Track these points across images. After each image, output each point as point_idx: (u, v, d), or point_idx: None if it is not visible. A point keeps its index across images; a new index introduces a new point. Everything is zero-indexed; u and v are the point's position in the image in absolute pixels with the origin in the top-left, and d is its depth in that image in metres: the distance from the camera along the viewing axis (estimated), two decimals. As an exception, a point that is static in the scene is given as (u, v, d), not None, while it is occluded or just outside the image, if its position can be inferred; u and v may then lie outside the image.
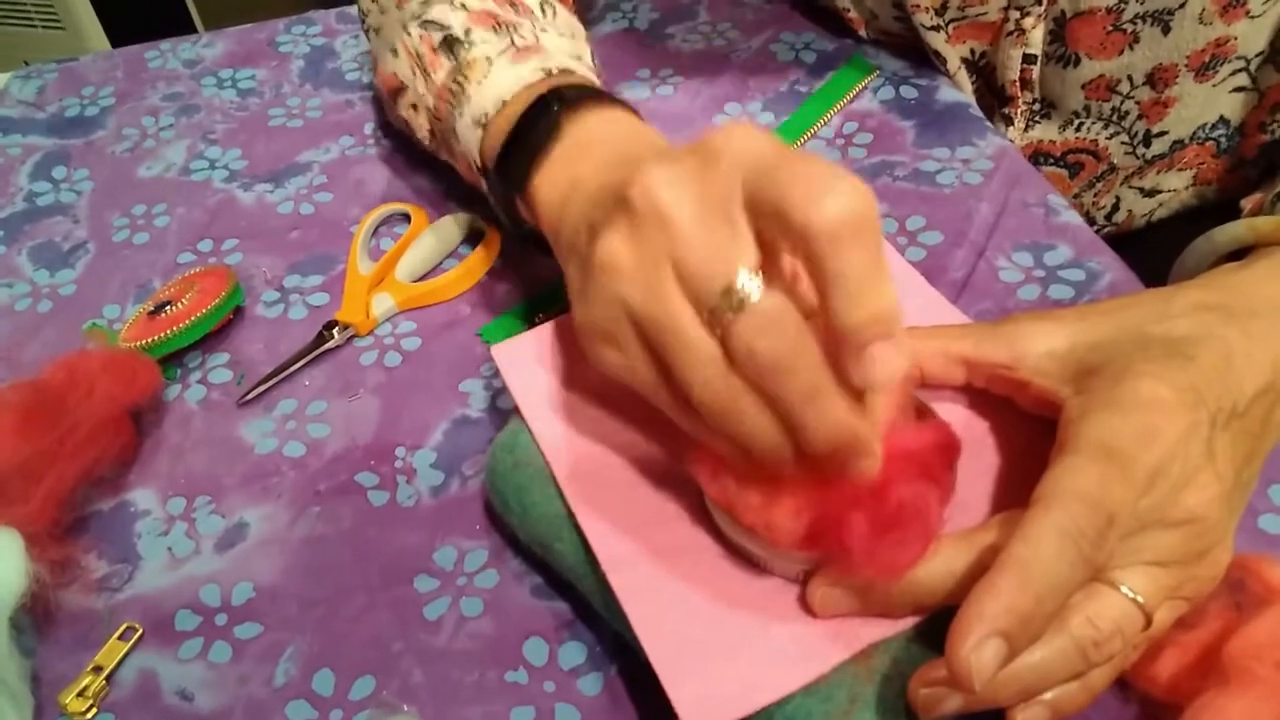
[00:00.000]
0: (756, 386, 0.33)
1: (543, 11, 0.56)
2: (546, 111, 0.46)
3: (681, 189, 0.34)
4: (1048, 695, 0.35)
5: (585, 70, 0.52)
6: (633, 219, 0.34)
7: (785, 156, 0.33)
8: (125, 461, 0.50)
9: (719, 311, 0.33)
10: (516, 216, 0.50)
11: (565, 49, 0.53)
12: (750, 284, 0.32)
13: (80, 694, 0.42)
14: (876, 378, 0.31)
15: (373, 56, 0.64)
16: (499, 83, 0.49)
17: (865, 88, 0.67)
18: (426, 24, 0.54)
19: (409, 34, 0.55)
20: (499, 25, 0.53)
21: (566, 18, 0.58)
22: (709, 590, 0.38)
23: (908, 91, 0.67)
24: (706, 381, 0.33)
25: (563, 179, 0.44)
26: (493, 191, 0.51)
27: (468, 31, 0.52)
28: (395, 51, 0.57)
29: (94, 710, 0.42)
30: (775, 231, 0.32)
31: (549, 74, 0.49)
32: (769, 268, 0.33)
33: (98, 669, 0.43)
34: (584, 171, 0.43)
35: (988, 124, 0.64)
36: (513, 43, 0.51)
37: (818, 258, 0.31)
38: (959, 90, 0.67)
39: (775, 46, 0.72)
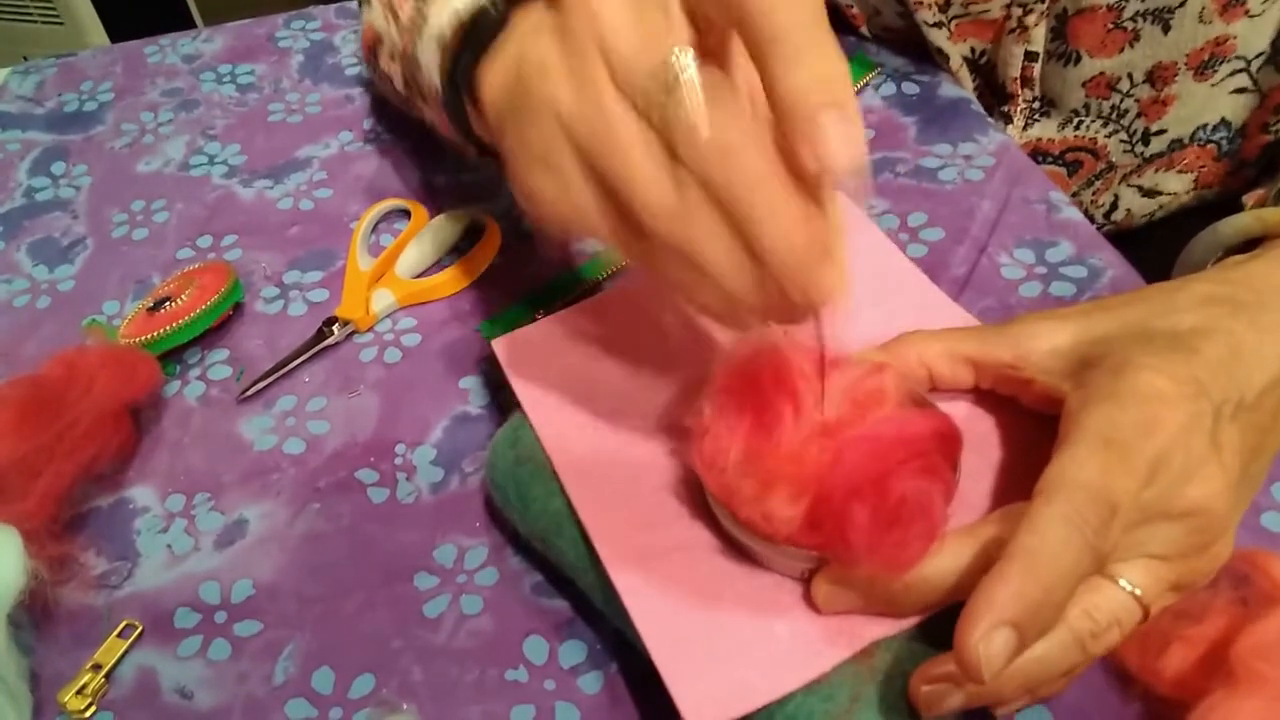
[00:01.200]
0: (701, 180, 0.30)
1: None
2: (493, 14, 0.42)
3: None
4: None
5: None
6: (562, 16, 0.32)
7: None
8: (124, 458, 0.50)
9: (654, 95, 0.30)
10: (474, 132, 0.47)
11: None
12: (684, 60, 0.29)
13: (79, 692, 0.42)
14: (828, 151, 0.29)
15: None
16: (455, 2, 0.46)
17: (867, 84, 0.67)
18: None
19: None
20: None
21: None
22: (711, 587, 0.38)
23: (909, 88, 0.67)
24: (650, 179, 0.30)
25: (504, 65, 0.40)
26: (448, 108, 0.47)
27: None
28: (370, 3, 0.55)
29: (93, 708, 0.42)
30: (710, 10, 0.30)
31: None
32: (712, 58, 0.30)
33: (97, 666, 0.43)
34: (526, 50, 0.38)
35: (989, 120, 0.64)
36: None
37: (752, 24, 0.28)
38: (960, 87, 0.67)
39: (776, 42, 0.71)
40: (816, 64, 0.28)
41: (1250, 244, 0.47)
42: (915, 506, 0.35)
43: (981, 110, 0.65)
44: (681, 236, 0.31)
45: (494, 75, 0.40)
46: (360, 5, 0.63)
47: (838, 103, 0.29)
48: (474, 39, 0.43)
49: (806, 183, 0.30)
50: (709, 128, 0.29)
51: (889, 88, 0.67)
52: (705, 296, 0.33)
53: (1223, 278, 0.41)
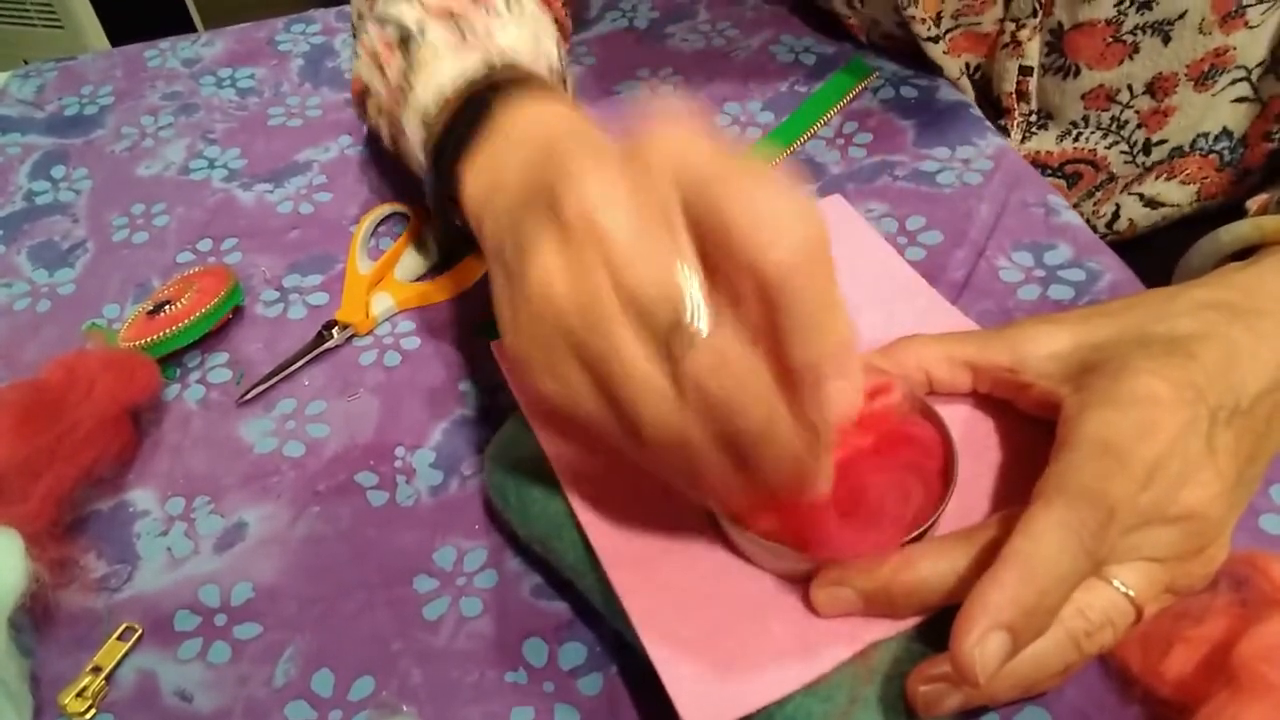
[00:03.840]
0: (707, 422, 0.31)
1: (508, 7, 0.51)
2: (480, 104, 0.43)
3: (615, 199, 0.30)
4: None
5: (542, 66, 0.49)
6: (565, 235, 0.31)
7: (723, 168, 0.30)
8: (124, 461, 0.50)
9: (667, 343, 0.30)
10: (453, 218, 0.47)
11: (523, 43, 0.49)
12: (699, 316, 0.30)
13: (79, 694, 0.42)
14: (832, 415, 0.31)
15: None
16: (441, 77, 0.46)
17: (865, 88, 0.67)
18: (384, 21, 0.51)
19: (368, 32, 0.52)
20: (453, 18, 0.49)
21: (535, 12, 0.53)
22: (710, 589, 0.38)
23: (908, 91, 0.67)
24: (656, 418, 0.31)
25: (488, 171, 0.41)
26: (430, 191, 0.48)
27: (421, 27, 0.49)
28: (358, 53, 0.54)
29: (93, 710, 0.42)
30: (716, 253, 0.30)
31: (493, 68, 0.46)
32: (709, 277, 0.31)
33: (97, 669, 0.43)
34: (510, 164, 0.39)
35: (988, 124, 0.64)
36: (463, 37, 0.48)
37: (769, 295, 0.29)
38: (959, 91, 0.67)
39: (775, 48, 0.72)
40: (828, 339, 0.29)
41: (1250, 251, 0.47)
42: (884, 494, 0.36)
43: (980, 114, 0.65)
44: (684, 464, 0.32)
45: (476, 179, 0.41)
46: (354, 35, 0.62)
47: (844, 374, 0.30)
48: (457, 132, 0.43)
49: (803, 414, 0.31)
50: (721, 390, 0.30)
51: (887, 91, 0.67)
52: (698, 494, 0.35)
53: (1220, 283, 0.41)
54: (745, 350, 0.30)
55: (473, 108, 0.43)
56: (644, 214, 0.30)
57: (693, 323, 0.30)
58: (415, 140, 0.48)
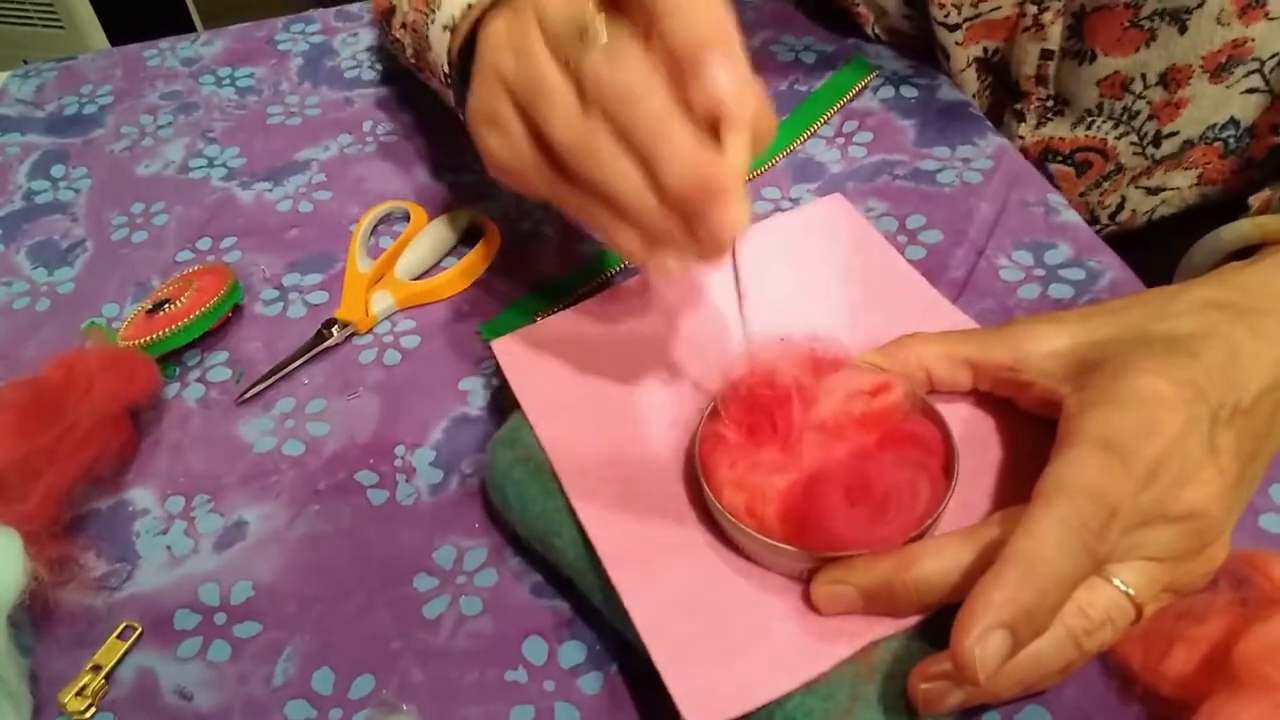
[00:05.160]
0: (611, 123, 0.33)
1: None
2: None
3: None
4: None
5: None
6: (511, 6, 0.37)
7: None
8: (124, 460, 0.50)
9: (575, 52, 0.34)
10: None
11: None
12: (599, 23, 0.33)
13: (79, 693, 0.42)
14: (716, 90, 0.32)
15: None
16: None
17: (865, 87, 0.67)
18: None
19: None
20: None
21: None
22: (711, 587, 0.38)
23: (908, 90, 0.67)
24: (563, 120, 0.34)
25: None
26: (454, 91, 0.51)
27: None
28: None
29: (93, 709, 0.42)
30: None
31: None
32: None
33: (96, 668, 0.43)
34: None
35: (988, 123, 0.64)
36: None
37: None
38: (959, 90, 0.67)
39: (775, 47, 0.71)
40: (699, 11, 0.32)
41: (1251, 250, 0.47)
42: (892, 488, 0.36)
43: (979, 113, 0.65)
44: (595, 175, 0.34)
45: (482, 55, 0.43)
46: None
47: (714, 41, 0.32)
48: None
49: (707, 126, 0.33)
50: (614, 79, 0.33)
51: (887, 91, 0.67)
52: (624, 236, 0.36)
53: (1221, 282, 0.41)
54: (637, 50, 0.33)
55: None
56: None
57: (595, 27, 0.33)
58: (439, 46, 0.51)
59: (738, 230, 0.34)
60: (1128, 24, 0.59)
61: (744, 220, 0.34)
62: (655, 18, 0.32)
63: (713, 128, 0.34)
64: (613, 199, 0.35)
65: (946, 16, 0.63)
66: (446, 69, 0.51)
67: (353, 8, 0.80)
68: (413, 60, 0.58)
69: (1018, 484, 0.39)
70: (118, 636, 0.44)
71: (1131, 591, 0.35)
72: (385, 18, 0.59)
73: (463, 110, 0.51)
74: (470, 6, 0.49)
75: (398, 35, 0.58)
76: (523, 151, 0.37)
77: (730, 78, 0.32)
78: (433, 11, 0.51)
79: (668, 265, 0.36)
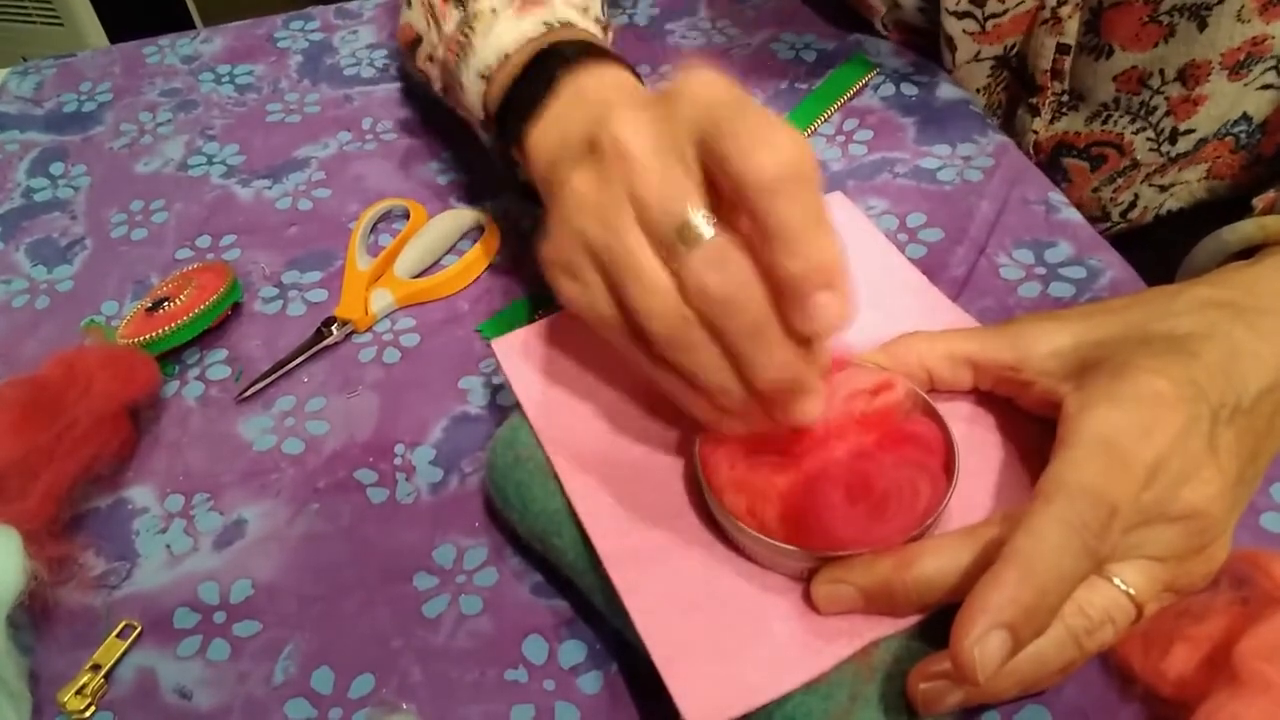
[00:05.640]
0: (706, 322, 0.34)
1: None
2: (544, 68, 0.47)
3: (641, 129, 0.35)
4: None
5: (590, 23, 0.53)
6: (598, 157, 0.36)
7: (737, 105, 0.34)
8: (123, 458, 0.50)
9: (673, 246, 0.34)
10: (513, 167, 0.52)
11: (572, 0, 0.54)
12: (702, 222, 0.34)
13: (79, 692, 0.42)
14: (818, 325, 0.33)
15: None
16: (502, 36, 0.50)
17: (866, 85, 0.67)
18: None
19: None
20: None
21: None
22: (711, 587, 0.38)
23: (908, 88, 0.67)
24: (660, 312, 0.35)
25: (554, 134, 0.46)
26: (492, 142, 0.53)
27: None
28: (410, 2, 0.58)
29: (92, 708, 0.42)
30: (724, 179, 0.34)
31: (550, 28, 0.50)
32: (724, 214, 0.34)
33: (96, 667, 0.43)
34: (572, 126, 0.45)
35: (988, 121, 0.64)
36: None
37: (756, 211, 0.32)
38: (960, 88, 0.67)
39: (775, 45, 0.71)
40: (812, 255, 0.32)
41: (1254, 251, 0.47)
42: (892, 488, 0.36)
43: (979, 110, 0.65)
44: (685, 362, 0.35)
45: (541, 144, 0.46)
46: None
47: (830, 286, 0.32)
48: (523, 96, 0.48)
49: (796, 332, 0.34)
50: (718, 285, 0.33)
51: (888, 88, 0.67)
52: (699, 407, 0.37)
53: (1222, 282, 0.41)
54: (742, 255, 0.33)
55: (535, 70, 0.48)
56: (662, 141, 0.35)
57: (696, 226, 0.34)
58: (473, 91, 0.52)
59: (810, 420, 0.36)
60: (1146, 19, 0.59)
61: (817, 412, 0.36)
62: (767, 250, 0.33)
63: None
64: (694, 382, 0.36)
65: (957, 4, 0.62)
66: (483, 117, 0.53)
67: (352, 5, 0.80)
68: (441, 93, 0.59)
69: (1018, 484, 0.39)
70: (117, 635, 0.44)
71: (1132, 591, 0.35)
72: (410, 47, 0.59)
73: (495, 154, 0.54)
74: (507, 57, 0.50)
75: (423, 67, 0.59)
76: (603, 311, 0.37)
77: (834, 314, 0.33)
78: (464, 55, 0.52)
79: (732, 430, 0.38)
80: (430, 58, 0.57)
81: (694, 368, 0.35)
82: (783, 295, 0.33)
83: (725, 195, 0.34)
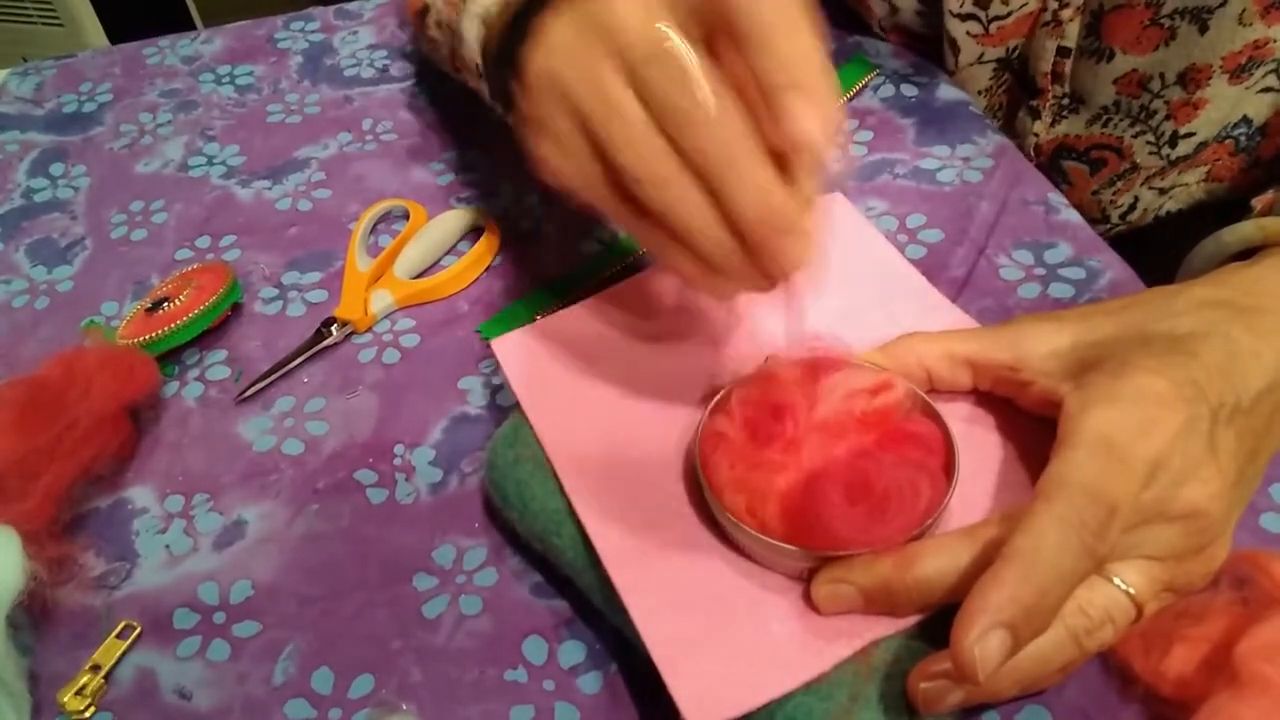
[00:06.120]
0: (682, 150, 0.32)
1: None
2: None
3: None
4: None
5: None
6: (584, 5, 0.35)
7: None
8: (123, 459, 0.50)
9: (642, 68, 0.32)
10: (511, 109, 0.50)
11: None
12: (675, 37, 0.32)
13: (78, 692, 0.42)
14: (796, 128, 0.31)
15: None
16: None
17: (865, 86, 0.67)
18: None
19: None
20: None
21: None
22: (711, 587, 0.38)
23: (908, 89, 0.67)
24: (634, 146, 0.33)
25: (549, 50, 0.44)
26: (490, 81, 0.51)
27: None
28: None
29: (92, 709, 0.42)
30: (704, 11, 0.32)
31: None
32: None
33: (96, 667, 0.43)
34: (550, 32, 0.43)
35: (988, 122, 0.64)
36: None
37: (734, 18, 0.31)
38: (959, 89, 0.67)
39: (775, 43, 0.71)
40: (786, 49, 0.31)
41: (1253, 252, 0.47)
42: (892, 488, 0.36)
43: (979, 111, 0.65)
44: (663, 201, 0.33)
45: (538, 59, 0.43)
46: None
47: (803, 83, 0.31)
48: (521, 20, 0.45)
49: (781, 160, 0.32)
50: (691, 98, 0.31)
51: (888, 89, 0.67)
52: (686, 263, 0.35)
53: (1221, 282, 0.41)
54: (714, 74, 0.32)
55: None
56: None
57: (667, 54, 0.32)
58: (472, 37, 0.51)
59: (800, 265, 0.34)
60: (1147, 22, 0.59)
61: (807, 255, 0.34)
62: (745, 56, 0.31)
63: (783, 160, 0.33)
64: (675, 224, 0.34)
65: (961, 6, 0.62)
66: (480, 60, 0.51)
67: (352, 6, 0.80)
68: (448, 60, 0.58)
69: (1018, 484, 0.39)
70: (117, 636, 0.44)
71: (1132, 590, 0.35)
72: (419, 18, 0.59)
73: (499, 104, 0.51)
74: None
75: (434, 35, 0.58)
76: (580, 165, 0.36)
77: (815, 125, 0.31)
78: (464, 3, 0.51)
79: (723, 291, 0.36)
80: (438, 23, 0.56)
81: (670, 204, 0.33)
82: (758, 100, 0.31)
83: (714, 35, 0.33)
